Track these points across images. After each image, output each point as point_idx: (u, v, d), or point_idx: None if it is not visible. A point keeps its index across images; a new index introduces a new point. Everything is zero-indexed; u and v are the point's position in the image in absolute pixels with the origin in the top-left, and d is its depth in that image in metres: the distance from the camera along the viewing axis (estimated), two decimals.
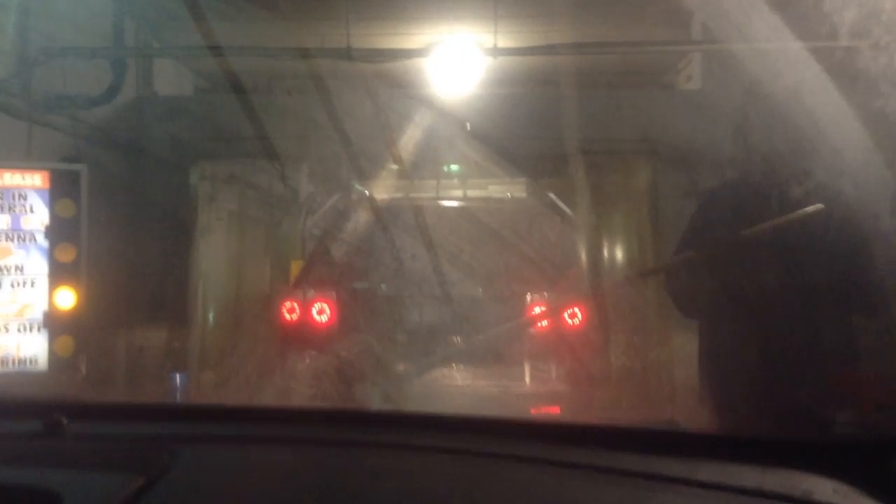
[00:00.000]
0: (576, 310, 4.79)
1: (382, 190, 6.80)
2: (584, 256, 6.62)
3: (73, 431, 1.21)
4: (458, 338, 5.05)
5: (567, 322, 4.81)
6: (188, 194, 6.72)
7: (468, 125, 6.03)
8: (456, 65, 6.10)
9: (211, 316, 7.01)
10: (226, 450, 1.22)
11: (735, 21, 5.34)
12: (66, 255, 4.88)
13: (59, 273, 4.82)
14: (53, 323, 4.74)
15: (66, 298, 4.84)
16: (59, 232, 4.83)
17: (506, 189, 7.26)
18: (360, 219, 6.25)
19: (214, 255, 7.22)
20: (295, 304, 4.98)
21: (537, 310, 4.91)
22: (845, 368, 1.86)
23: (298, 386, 4.76)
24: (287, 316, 4.97)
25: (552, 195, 6.92)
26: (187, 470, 1.11)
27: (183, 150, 6.53)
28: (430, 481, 1.13)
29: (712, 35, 5.95)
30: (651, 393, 4.94)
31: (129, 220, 6.28)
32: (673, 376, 5.33)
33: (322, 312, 4.92)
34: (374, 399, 4.48)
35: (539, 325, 4.88)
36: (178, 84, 7.57)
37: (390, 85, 6.65)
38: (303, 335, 4.93)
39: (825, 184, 2.14)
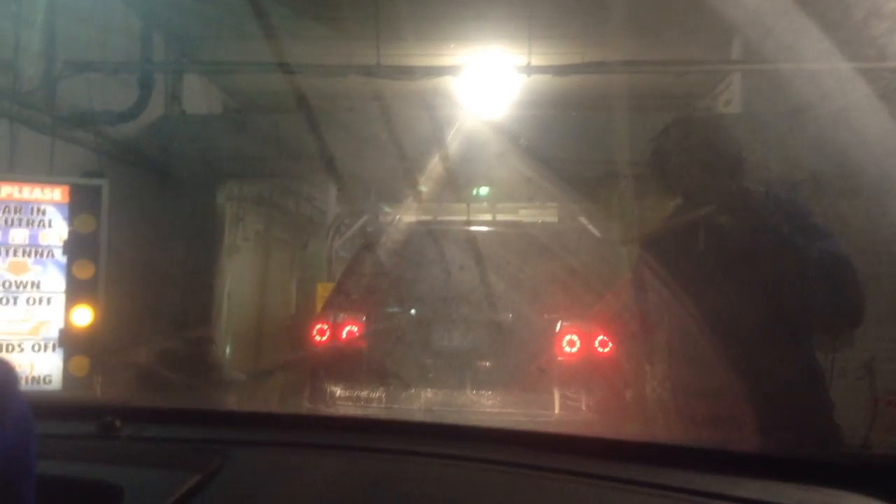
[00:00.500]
0: (605, 338, 4.81)
1: (411, 212, 6.90)
2: (621, 282, 6.61)
3: (127, 433, 1.30)
4: (487, 363, 5.06)
5: (597, 350, 4.86)
6: (214, 214, 6.85)
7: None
8: (488, 84, 6.15)
9: (235, 337, 7.15)
10: (274, 454, 1.29)
11: (777, 42, 5.41)
12: (84, 271, 4.86)
13: (76, 290, 4.82)
14: (69, 341, 4.74)
15: (83, 316, 4.83)
16: (77, 248, 4.82)
17: (537, 213, 7.35)
18: (389, 241, 6.38)
19: (240, 276, 7.38)
20: (325, 327, 5.08)
21: (568, 337, 4.93)
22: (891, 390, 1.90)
23: (325, 406, 4.89)
24: (318, 338, 5.07)
25: (584, 219, 6.97)
26: (239, 470, 1.18)
27: (210, 169, 6.65)
28: (470, 490, 1.19)
29: (753, 57, 6.00)
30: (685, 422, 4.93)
31: (154, 238, 6.38)
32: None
33: (352, 335, 5.04)
34: (415, 412, 4.60)
35: (570, 351, 4.92)
36: (207, 103, 7.74)
37: (421, 107, 6.78)
38: (333, 357, 5.07)
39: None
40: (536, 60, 6.02)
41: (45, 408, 1.62)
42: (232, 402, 6.50)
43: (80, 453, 1.26)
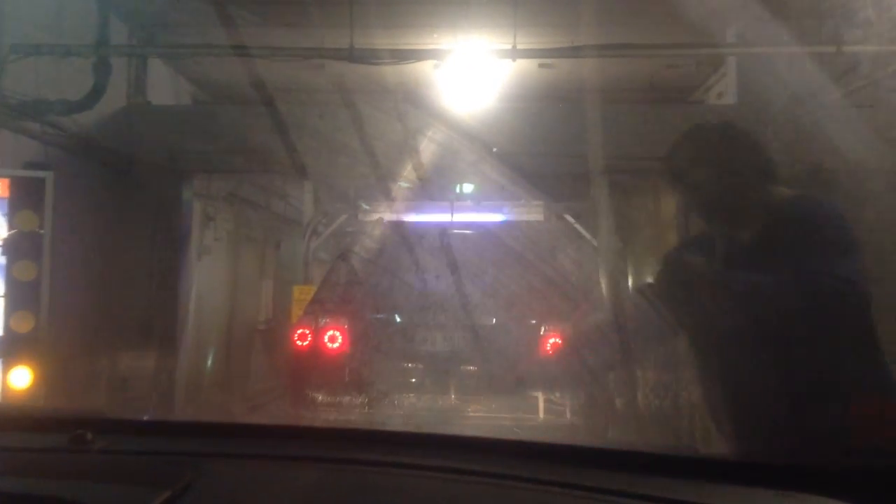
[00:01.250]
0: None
1: (392, 211, 6.93)
2: (605, 284, 6.74)
3: (99, 446, 1.33)
4: (471, 367, 5.30)
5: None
6: (181, 212, 6.80)
7: (487, 128, 6.08)
8: (471, 71, 6.16)
9: (205, 344, 7.14)
10: (248, 466, 1.33)
11: (774, 28, 5.49)
12: (26, 273, 4.67)
13: (16, 293, 4.63)
14: (9, 349, 4.55)
15: (25, 322, 4.63)
16: (18, 247, 4.64)
17: (522, 211, 7.42)
18: (369, 242, 6.44)
19: (211, 278, 7.37)
20: (307, 331, 5.27)
21: (552, 340, 5.10)
22: (871, 394, 1.96)
23: (307, 412, 5.08)
24: (299, 342, 5.26)
25: (570, 218, 7.06)
26: (211, 485, 1.21)
27: (176, 164, 6.60)
28: (447, 502, 1.25)
29: (748, 45, 6.05)
30: (671, 424, 5.12)
31: (114, 238, 6.33)
32: (695, 408, 5.50)
33: (334, 340, 5.23)
34: (392, 421, 4.81)
35: (553, 355, 5.03)
36: (175, 96, 7.71)
37: (401, 99, 6.80)
38: (315, 362, 5.24)
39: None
40: (522, 48, 6.03)
41: (16, 419, 1.66)
42: (208, 412, 6.53)
43: (47, 468, 1.29)
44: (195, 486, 1.18)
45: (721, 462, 1.41)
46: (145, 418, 1.75)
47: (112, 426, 1.56)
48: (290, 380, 5.53)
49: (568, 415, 5.16)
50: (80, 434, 1.36)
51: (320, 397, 5.16)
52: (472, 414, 5.14)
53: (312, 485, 1.29)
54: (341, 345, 5.28)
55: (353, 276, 5.86)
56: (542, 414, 5.20)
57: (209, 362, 7.20)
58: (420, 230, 6.32)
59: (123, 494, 1.17)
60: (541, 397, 5.24)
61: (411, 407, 5.13)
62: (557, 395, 5.22)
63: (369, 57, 5.55)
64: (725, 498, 1.22)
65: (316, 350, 5.27)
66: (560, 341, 4.98)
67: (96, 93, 5.68)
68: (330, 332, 5.28)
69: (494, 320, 5.61)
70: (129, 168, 6.45)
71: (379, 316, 5.55)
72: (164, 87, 7.51)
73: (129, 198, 6.45)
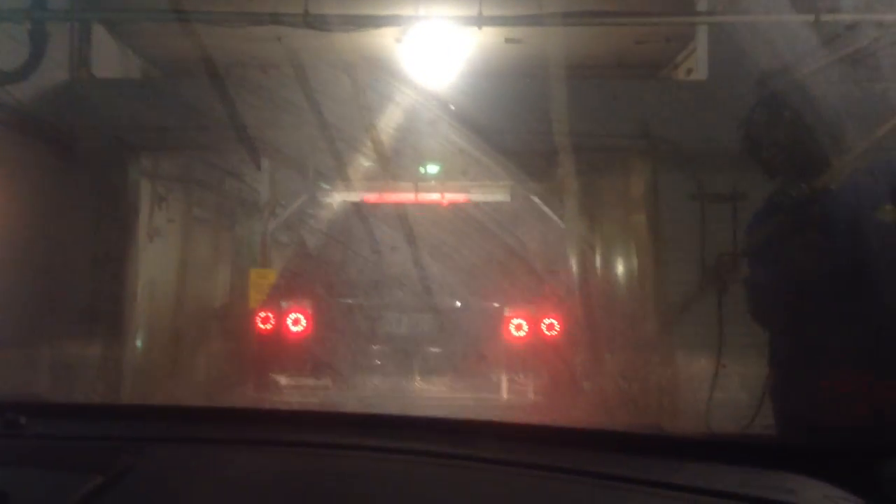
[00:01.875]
0: (553, 321, 5.27)
1: (353, 191, 6.87)
2: (573, 265, 6.78)
3: (33, 431, 1.29)
4: (435, 349, 5.38)
5: (544, 333, 5.27)
6: (127, 192, 6.64)
7: (452, 106, 6.03)
8: (434, 45, 6.08)
9: (156, 330, 7.03)
10: (189, 450, 1.29)
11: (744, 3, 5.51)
12: None
13: None
14: None
15: None
16: None
17: (488, 192, 7.40)
18: (331, 224, 6.43)
19: (163, 261, 7.26)
20: (270, 315, 5.38)
21: (515, 321, 5.30)
22: (843, 371, 2.01)
23: (270, 395, 5.17)
24: (262, 326, 5.36)
25: (537, 199, 7.09)
26: (148, 470, 1.17)
27: (122, 141, 6.46)
28: (409, 484, 1.23)
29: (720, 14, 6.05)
30: (635, 404, 5.30)
31: (54, 219, 6.14)
32: (663, 389, 5.62)
33: (297, 323, 5.32)
34: (347, 403, 4.99)
35: (516, 336, 5.29)
36: (123, 70, 7.53)
37: (361, 73, 6.71)
38: (278, 345, 5.33)
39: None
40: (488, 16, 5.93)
41: None
42: (158, 399, 6.46)
43: None
44: (133, 471, 1.15)
45: (686, 440, 1.41)
46: (83, 402, 1.69)
47: (49, 410, 1.52)
48: (254, 363, 5.54)
49: (531, 395, 5.26)
50: (14, 418, 1.31)
51: (284, 380, 5.28)
52: (435, 395, 5.24)
53: (259, 468, 1.26)
54: (305, 328, 5.34)
55: (315, 259, 5.91)
56: (505, 394, 5.30)
57: (161, 349, 7.09)
58: (383, 212, 6.35)
59: (53, 481, 1.13)
60: (504, 378, 5.33)
61: (375, 388, 5.19)
62: (520, 375, 5.33)
63: (323, 24, 5.31)
64: (691, 475, 1.22)
65: (279, 333, 5.34)
66: (524, 323, 5.28)
67: (32, 62, 5.43)
68: (293, 316, 5.35)
69: (458, 303, 5.64)
70: (72, 145, 6.27)
71: (342, 299, 5.51)
72: (112, 61, 7.33)
73: (72, 177, 6.29)
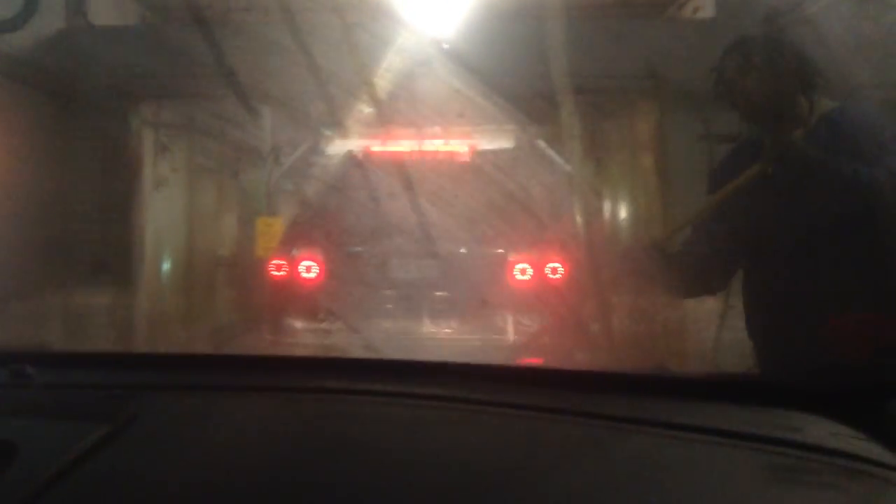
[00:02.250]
0: (557, 265, 5.45)
1: (357, 137, 6.85)
2: (578, 209, 6.75)
3: (41, 380, 1.30)
4: (442, 293, 5.56)
5: (548, 277, 5.46)
6: (129, 141, 6.62)
7: (445, 45, 5.93)
8: None
9: (164, 278, 7.07)
10: (194, 397, 1.30)
11: None
12: None
13: None
14: None
15: None
16: None
17: (491, 137, 7.34)
18: (334, 172, 6.47)
19: (169, 211, 7.25)
20: (282, 262, 5.56)
21: (520, 265, 5.50)
22: (846, 309, 2.01)
23: (284, 338, 5.38)
24: (275, 273, 5.56)
25: (543, 142, 7.05)
26: (154, 417, 1.19)
27: (122, 90, 6.41)
28: (413, 428, 1.24)
29: None
30: (643, 345, 5.41)
31: (56, 170, 6.15)
32: (670, 331, 5.67)
33: (309, 270, 5.51)
34: (353, 348, 5.11)
35: (521, 280, 5.47)
36: (122, 17, 7.43)
37: (361, 15, 6.61)
38: (291, 291, 5.52)
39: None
40: None
41: None
42: (167, 346, 6.53)
43: None
44: (139, 419, 1.16)
45: (691, 380, 1.41)
46: (92, 351, 1.71)
47: (57, 360, 1.53)
48: (268, 309, 5.74)
49: (536, 336, 5.38)
50: (21, 368, 1.32)
51: (298, 324, 5.46)
52: (444, 337, 5.43)
53: (267, 414, 1.27)
54: (317, 275, 5.52)
55: (323, 208, 6.01)
56: (511, 336, 5.45)
57: (169, 297, 7.14)
58: (386, 160, 6.39)
59: (57, 431, 1.14)
60: (510, 320, 5.50)
61: (385, 331, 5.34)
62: (526, 317, 5.47)
63: None
64: (695, 415, 1.23)
65: (292, 280, 5.52)
66: (528, 267, 5.48)
67: (27, 11, 5.30)
68: (305, 263, 5.52)
69: (464, 248, 5.78)
70: (73, 93, 6.22)
71: (351, 246, 5.66)
72: (109, 8, 7.22)
73: (74, 127, 6.27)
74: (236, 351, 5.94)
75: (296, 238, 5.83)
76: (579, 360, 5.12)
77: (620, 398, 1.30)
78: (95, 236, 6.23)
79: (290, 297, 5.56)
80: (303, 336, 5.40)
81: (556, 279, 5.48)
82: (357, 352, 5.10)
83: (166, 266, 7.17)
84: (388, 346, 5.15)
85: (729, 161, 2.59)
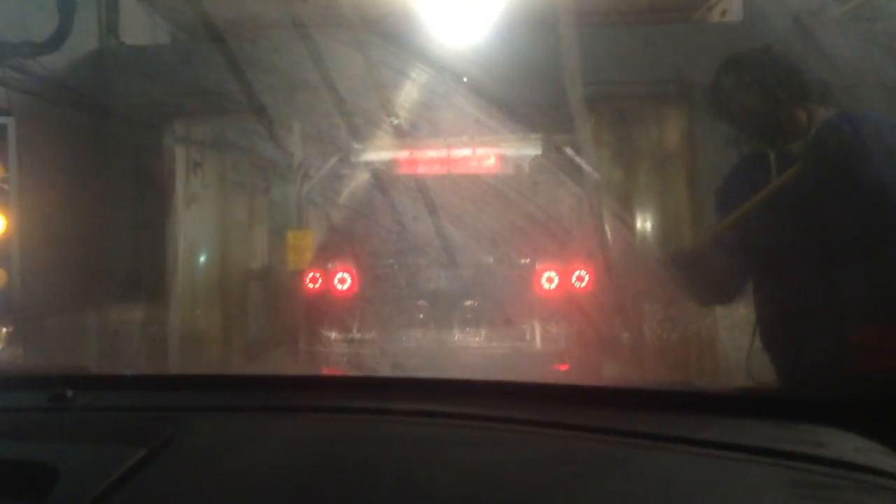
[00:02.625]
0: (583, 273, 5.60)
1: (384, 151, 6.95)
2: (607, 217, 6.76)
3: (79, 403, 1.34)
4: (471, 302, 5.75)
5: (575, 285, 5.61)
6: (163, 158, 6.73)
7: (465, 79, 6.05)
8: None
9: (197, 294, 7.17)
10: (230, 419, 1.33)
11: None
12: None
13: None
14: None
15: None
16: None
17: (518, 146, 7.36)
18: (364, 183, 6.67)
19: (201, 226, 7.36)
20: (318, 275, 5.83)
21: (546, 274, 5.65)
22: (871, 322, 1.99)
23: (321, 348, 5.63)
24: (311, 285, 5.83)
25: (570, 150, 7.08)
26: (190, 440, 1.21)
27: (155, 107, 6.52)
28: (440, 446, 1.26)
29: None
30: (674, 356, 5.68)
31: (91, 187, 6.27)
32: (702, 340, 5.70)
33: (343, 281, 5.77)
34: (393, 355, 5.43)
35: (548, 288, 5.63)
36: (152, 37, 7.57)
37: (384, 33, 6.68)
38: (327, 303, 5.78)
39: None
40: None
41: None
42: (203, 364, 6.63)
43: (22, 429, 1.30)
44: (175, 442, 1.19)
45: (716, 395, 1.42)
46: (129, 373, 1.75)
47: (95, 382, 1.56)
48: (304, 320, 5.97)
49: (563, 343, 5.58)
50: (61, 392, 1.36)
51: (334, 335, 5.70)
52: (473, 345, 5.63)
53: (301, 435, 1.30)
54: (350, 286, 5.78)
55: (355, 221, 6.27)
56: (539, 343, 5.62)
57: (203, 312, 7.24)
58: (416, 170, 6.57)
59: (96, 455, 1.18)
60: (538, 328, 5.65)
61: (417, 340, 5.61)
62: (553, 325, 5.64)
63: None
64: (719, 430, 1.23)
65: (327, 292, 5.79)
66: (555, 275, 5.60)
67: (62, 33, 5.49)
68: (339, 275, 5.78)
69: (492, 258, 5.93)
70: (106, 114, 6.34)
71: (383, 258, 5.90)
72: (140, 28, 7.37)
73: (107, 145, 6.39)
74: (267, 366, 6.05)
75: (330, 252, 6.07)
76: (606, 372, 5.18)
77: (644, 414, 1.30)
78: (129, 253, 6.33)
79: (325, 308, 5.79)
80: (337, 345, 5.63)
81: (583, 287, 5.61)
82: (385, 369, 5.32)
83: (198, 281, 7.27)
84: (420, 355, 5.44)
85: (735, 176, 2.54)
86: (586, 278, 5.63)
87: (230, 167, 8.13)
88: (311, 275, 5.83)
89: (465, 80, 6.26)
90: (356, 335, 5.64)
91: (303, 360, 5.68)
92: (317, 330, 5.74)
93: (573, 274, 5.64)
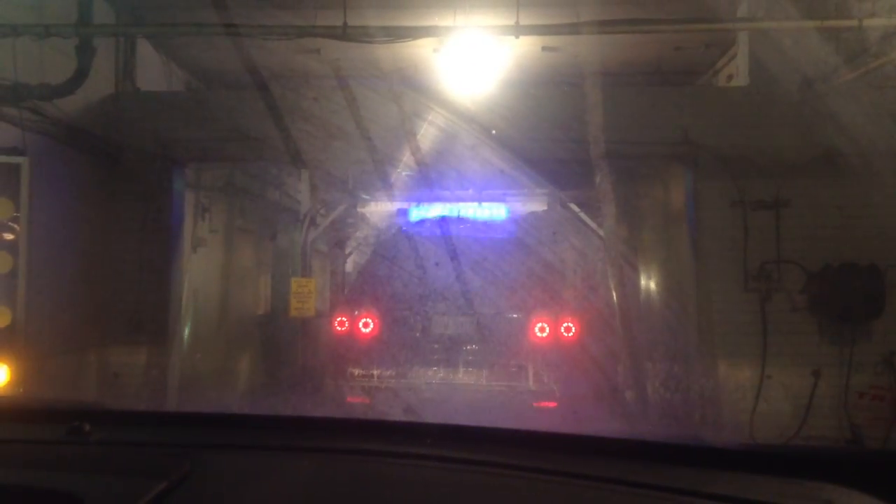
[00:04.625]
0: (570, 324, 6.47)
1: (392, 201, 7.20)
2: (609, 272, 6.86)
3: (96, 437, 1.37)
4: (475, 346, 6.63)
5: (562, 334, 6.48)
6: (172, 202, 6.79)
7: (493, 131, 6.31)
8: (472, 54, 6.09)
9: (201, 338, 7.17)
10: (245, 457, 1.37)
11: (782, 8, 5.45)
12: (1, 264, 4.67)
13: None
14: None
15: (0, 317, 4.64)
16: None
17: (526, 200, 7.52)
18: (372, 232, 7.27)
19: (206, 271, 7.41)
20: (344, 319, 6.68)
21: (539, 324, 6.52)
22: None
23: (347, 383, 6.43)
24: (338, 328, 6.67)
25: (574, 206, 7.29)
26: (207, 476, 1.25)
27: (167, 152, 6.62)
28: (448, 492, 1.28)
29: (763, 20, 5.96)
30: (678, 413, 6.09)
31: (102, 228, 6.35)
32: (706, 399, 5.80)
33: (367, 325, 6.61)
34: (406, 391, 6.30)
35: (540, 336, 6.50)
36: (167, 83, 7.70)
37: (399, 83, 6.79)
38: (352, 344, 6.58)
39: None
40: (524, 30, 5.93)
41: (14, 410, 1.70)
42: (205, 406, 6.62)
43: (44, 459, 1.33)
44: (193, 477, 1.22)
45: (724, 450, 1.44)
46: (143, 409, 1.78)
47: (110, 417, 1.59)
48: (332, 358, 6.75)
49: (554, 387, 6.41)
50: (78, 425, 1.39)
51: (357, 371, 6.56)
52: (476, 383, 6.51)
53: (311, 475, 1.32)
54: (373, 329, 6.61)
55: (376, 273, 7.08)
56: (532, 383, 6.49)
57: (204, 355, 7.25)
58: (426, 229, 7.33)
59: (121, 486, 1.21)
60: (531, 369, 6.53)
61: (429, 378, 6.48)
62: (544, 368, 6.50)
63: (363, 35, 5.39)
64: (727, 485, 1.25)
65: (352, 334, 6.62)
66: (546, 326, 6.44)
67: (79, 76, 5.53)
68: (363, 320, 6.60)
69: (494, 309, 6.69)
70: (118, 156, 6.43)
71: (400, 306, 6.68)
72: (156, 73, 7.50)
73: (118, 187, 6.46)
74: (270, 410, 6.14)
75: (355, 299, 6.99)
76: (614, 426, 5.44)
77: (652, 465, 1.33)
78: (134, 296, 6.36)
79: (350, 348, 6.61)
80: (361, 381, 6.50)
81: (570, 336, 6.47)
82: (397, 413, 5.89)
83: (201, 325, 7.28)
84: (430, 391, 6.34)
85: None
86: (573, 329, 6.47)
87: (237, 213, 8.21)
88: (338, 319, 6.71)
89: (478, 134, 6.38)
90: (376, 371, 6.53)
91: (304, 404, 5.87)
92: (344, 367, 6.56)
93: (562, 325, 6.48)
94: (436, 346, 6.62)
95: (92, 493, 1.14)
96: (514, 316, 6.65)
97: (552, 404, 6.25)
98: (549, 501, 1.24)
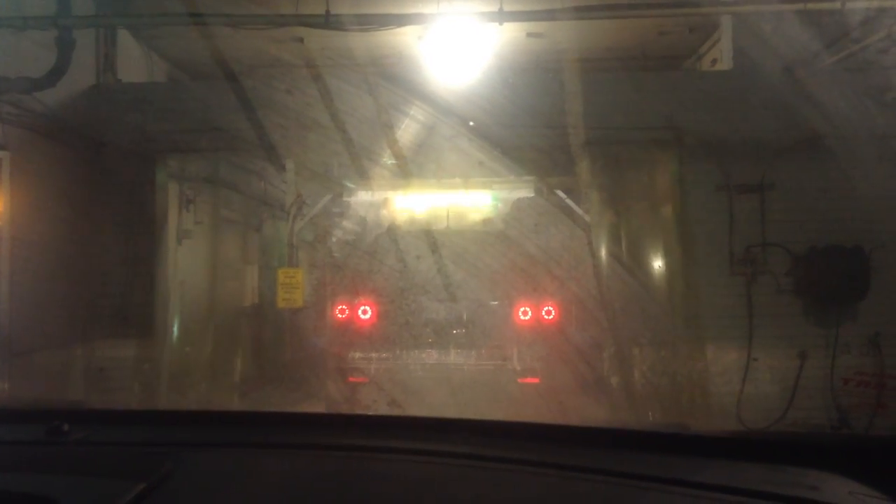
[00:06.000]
0: (550, 308, 7.06)
1: (377, 190, 7.27)
2: (594, 257, 6.89)
3: (75, 437, 1.35)
4: (464, 330, 7.27)
5: (543, 317, 7.07)
6: (155, 194, 6.72)
7: (471, 123, 6.31)
8: (456, 41, 6.07)
9: (189, 331, 7.13)
10: (227, 455, 1.35)
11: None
12: None
13: None
14: None
15: None
16: None
17: (511, 188, 7.53)
18: (359, 223, 7.56)
19: (192, 263, 7.35)
20: (345, 307, 7.24)
21: (522, 308, 7.10)
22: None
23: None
24: (340, 316, 7.24)
25: (561, 193, 7.34)
26: (188, 475, 1.22)
27: (149, 143, 6.54)
28: (436, 485, 1.27)
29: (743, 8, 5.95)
30: (664, 399, 6.24)
31: (85, 222, 6.28)
32: (693, 384, 5.87)
33: (365, 312, 7.19)
34: (402, 373, 6.92)
35: (523, 320, 7.08)
36: (149, 74, 7.63)
37: (383, 73, 6.76)
38: (352, 329, 7.15)
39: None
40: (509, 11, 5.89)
41: None
42: (194, 401, 6.61)
43: (21, 462, 1.30)
44: (173, 477, 1.20)
45: (710, 438, 1.43)
46: (124, 408, 1.76)
47: (90, 417, 1.57)
48: (333, 343, 7.21)
49: (535, 366, 7.01)
50: (58, 425, 1.37)
51: (357, 355, 7.16)
52: (465, 363, 7.12)
53: (295, 472, 1.31)
54: (371, 316, 7.18)
55: (373, 263, 7.51)
56: (516, 363, 7.10)
57: (192, 348, 7.20)
58: (405, 207, 7.70)
59: (95, 488, 1.18)
60: (515, 350, 7.16)
61: (423, 360, 7.13)
62: (527, 348, 7.12)
63: (346, 23, 5.38)
64: (714, 473, 1.25)
65: (352, 321, 7.18)
66: (529, 310, 7.01)
67: (59, 69, 5.49)
68: (362, 308, 7.18)
69: (481, 295, 7.24)
70: (100, 149, 6.36)
71: (395, 294, 7.18)
72: (137, 66, 7.43)
73: (101, 181, 6.39)
74: (257, 403, 6.33)
75: (354, 288, 7.40)
76: (602, 414, 5.61)
77: (641, 455, 1.32)
78: (119, 289, 6.32)
79: (351, 333, 7.17)
80: (360, 363, 7.10)
81: (550, 319, 7.07)
82: (382, 407, 6.09)
83: (187, 317, 7.24)
84: (424, 371, 7.00)
85: None
86: (553, 312, 7.05)
87: (223, 204, 8.15)
88: (340, 307, 7.26)
89: (464, 122, 6.37)
90: (374, 355, 7.11)
91: (292, 398, 6.09)
92: (346, 352, 7.12)
93: (543, 308, 7.07)
94: (428, 330, 7.25)
95: (68, 496, 1.12)
96: (500, 301, 7.27)
97: (535, 380, 6.91)
98: (535, 492, 1.23)
